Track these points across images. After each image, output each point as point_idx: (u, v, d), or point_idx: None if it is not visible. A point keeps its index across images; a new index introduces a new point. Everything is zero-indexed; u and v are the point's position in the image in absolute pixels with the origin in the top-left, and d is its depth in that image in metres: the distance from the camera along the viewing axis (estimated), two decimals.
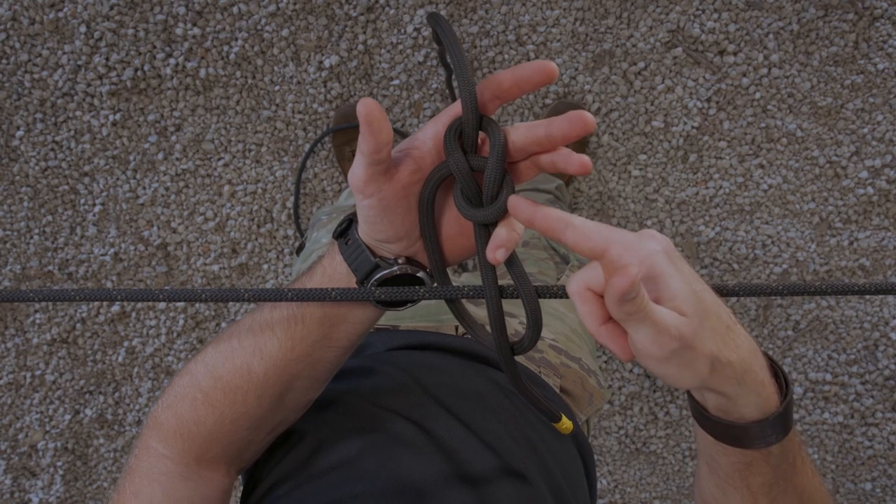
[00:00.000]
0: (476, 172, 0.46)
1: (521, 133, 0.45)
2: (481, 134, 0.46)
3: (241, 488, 0.66)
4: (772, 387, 0.46)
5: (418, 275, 0.52)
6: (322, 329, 0.53)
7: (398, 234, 0.50)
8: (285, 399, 0.56)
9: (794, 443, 0.49)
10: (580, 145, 1.67)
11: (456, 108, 0.46)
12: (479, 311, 0.85)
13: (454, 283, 0.50)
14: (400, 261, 0.51)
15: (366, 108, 0.41)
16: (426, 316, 0.83)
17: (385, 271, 0.50)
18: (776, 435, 0.46)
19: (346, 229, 0.52)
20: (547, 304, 0.89)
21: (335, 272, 0.52)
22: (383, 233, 0.49)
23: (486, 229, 0.47)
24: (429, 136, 0.48)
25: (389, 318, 0.83)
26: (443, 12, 1.61)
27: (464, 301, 0.73)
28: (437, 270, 0.51)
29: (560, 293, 0.46)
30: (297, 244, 1.75)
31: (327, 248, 0.54)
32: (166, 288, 0.39)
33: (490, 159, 0.44)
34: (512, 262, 0.47)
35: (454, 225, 0.51)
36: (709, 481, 0.53)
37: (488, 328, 0.49)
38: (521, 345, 0.49)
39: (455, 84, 0.50)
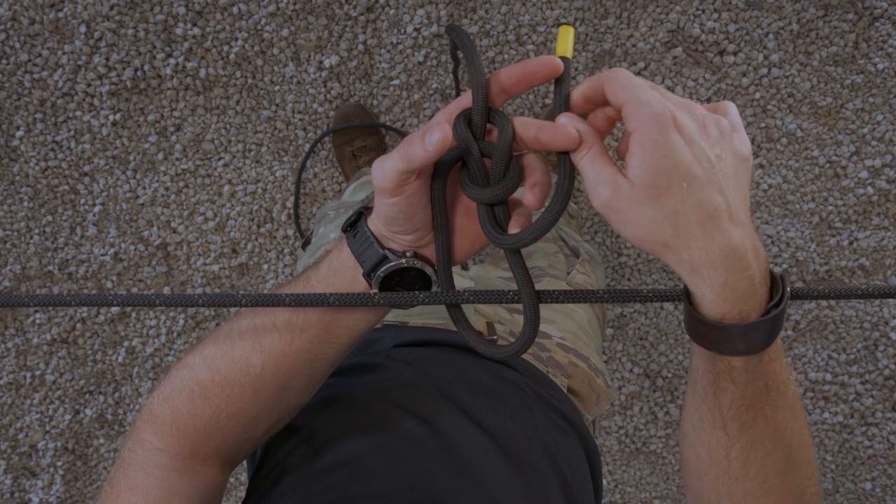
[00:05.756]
0: (484, 157, 0.47)
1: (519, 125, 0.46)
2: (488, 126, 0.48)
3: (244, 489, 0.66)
4: (748, 299, 0.43)
5: (425, 270, 0.52)
6: (322, 324, 0.52)
7: (416, 226, 0.50)
8: (282, 397, 0.56)
9: (769, 371, 0.46)
10: None
11: (463, 101, 0.47)
12: (486, 308, 0.85)
13: (457, 280, 0.50)
14: (408, 254, 0.51)
15: (447, 136, 0.44)
16: (434, 313, 0.83)
17: (392, 263, 0.50)
18: (734, 346, 0.44)
19: (355, 222, 0.53)
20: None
21: (341, 265, 0.52)
22: (401, 226, 0.49)
23: (490, 213, 0.48)
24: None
25: (398, 315, 0.83)
26: (443, 12, 1.61)
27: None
28: (443, 262, 0.51)
29: (559, 297, 0.46)
30: (300, 242, 1.75)
31: (335, 242, 0.54)
32: (165, 293, 0.39)
33: (498, 141, 0.45)
34: (516, 252, 0.48)
35: (464, 217, 0.52)
36: (690, 403, 0.51)
37: (497, 325, 0.49)
38: (512, 347, 0.48)
39: (462, 74, 0.51)
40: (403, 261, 0.50)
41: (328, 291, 0.51)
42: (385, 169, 0.46)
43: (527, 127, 0.45)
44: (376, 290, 0.50)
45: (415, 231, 0.50)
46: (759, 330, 0.43)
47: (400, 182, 0.46)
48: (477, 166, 0.47)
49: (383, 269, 0.50)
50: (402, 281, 0.51)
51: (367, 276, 0.51)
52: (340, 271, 0.52)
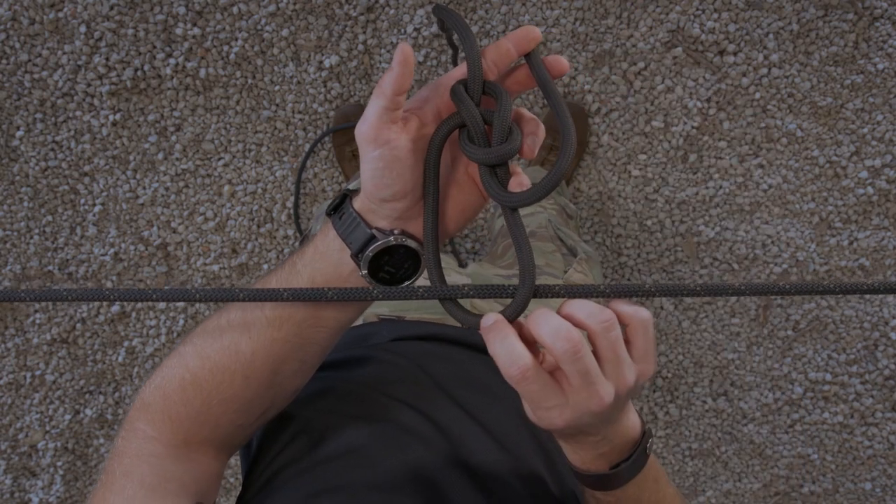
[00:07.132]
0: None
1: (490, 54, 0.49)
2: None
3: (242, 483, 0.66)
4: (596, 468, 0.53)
5: (414, 247, 0.51)
6: (310, 309, 0.52)
7: (405, 188, 0.49)
8: (274, 383, 0.56)
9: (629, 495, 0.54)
10: (578, 144, 1.67)
11: (455, 73, 0.48)
12: (483, 306, 0.85)
13: (455, 276, 0.50)
14: (396, 231, 0.50)
15: (406, 50, 0.45)
16: (432, 307, 0.83)
17: (380, 242, 0.49)
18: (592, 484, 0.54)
19: (339, 205, 0.52)
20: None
21: (327, 248, 0.51)
22: (389, 188, 0.49)
23: (493, 174, 0.48)
24: (430, 97, 0.49)
25: (395, 309, 0.83)
26: None
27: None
28: (431, 225, 0.50)
29: (560, 292, 0.46)
30: (298, 242, 1.76)
31: (320, 227, 0.54)
32: (162, 288, 0.39)
33: (499, 105, 0.46)
34: (514, 211, 0.48)
35: (454, 187, 0.52)
36: None
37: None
38: (507, 310, 0.48)
39: (461, 58, 0.52)
40: (391, 238, 0.50)
41: (314, 275, 0.50)
42: (366, 115, 0.47)
43: (499, 45, 0.48)
44: (365, 271, 0.50)
45: (403, 197, 0.49)
46: (603, 478, 0.53)
47: (382, 123, 0.46)
48: (479, 131, 0.47)
49: (371, 248, 0.49)
50: (390, 260, 0.50)
51: (356, 256, 0.50)
52: (326, 255, 0.51)
